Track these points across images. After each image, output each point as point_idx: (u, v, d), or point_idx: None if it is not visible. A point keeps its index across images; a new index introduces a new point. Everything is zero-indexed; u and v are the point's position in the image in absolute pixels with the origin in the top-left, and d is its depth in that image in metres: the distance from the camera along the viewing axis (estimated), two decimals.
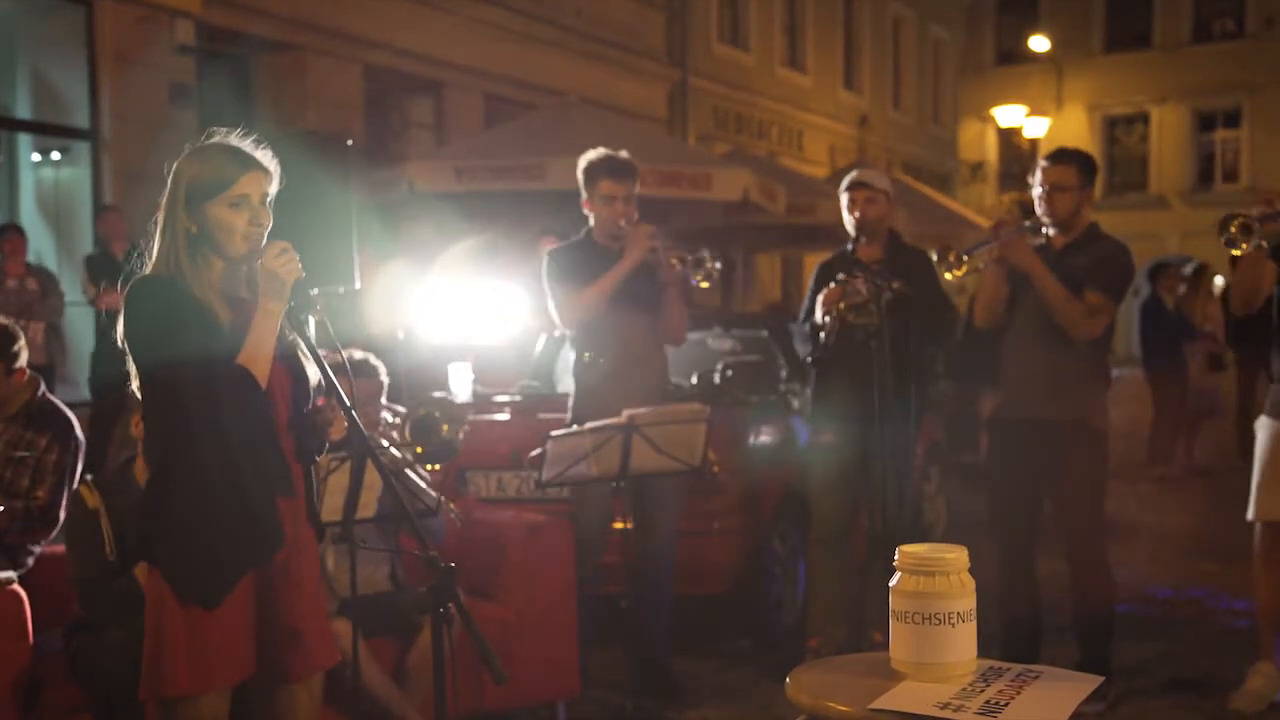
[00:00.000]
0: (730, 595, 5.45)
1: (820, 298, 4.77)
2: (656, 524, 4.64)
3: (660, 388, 4.85)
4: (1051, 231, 4.59)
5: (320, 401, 2.79)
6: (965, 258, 4.46)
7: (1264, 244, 4.07)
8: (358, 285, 5.30)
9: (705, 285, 4.72)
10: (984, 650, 2.20)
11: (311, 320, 2.77)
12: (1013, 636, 4.65)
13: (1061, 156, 4.63)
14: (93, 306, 8.60)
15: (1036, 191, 4.59)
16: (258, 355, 2.65)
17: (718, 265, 4.73)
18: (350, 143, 5.39)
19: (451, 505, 4.25)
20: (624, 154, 4.83)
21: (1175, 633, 5.69)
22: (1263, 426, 4.51)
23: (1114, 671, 4.67)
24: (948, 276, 4.50)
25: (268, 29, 10.59)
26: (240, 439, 2.65)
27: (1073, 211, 4.58)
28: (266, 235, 2.73)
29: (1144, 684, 4.87)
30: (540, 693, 4.44)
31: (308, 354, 2.77)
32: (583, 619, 4.51)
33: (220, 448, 2.64)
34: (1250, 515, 4.53)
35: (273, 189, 2.75)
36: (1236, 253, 4.12)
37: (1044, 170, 4.60)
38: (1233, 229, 4.02)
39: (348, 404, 2.70)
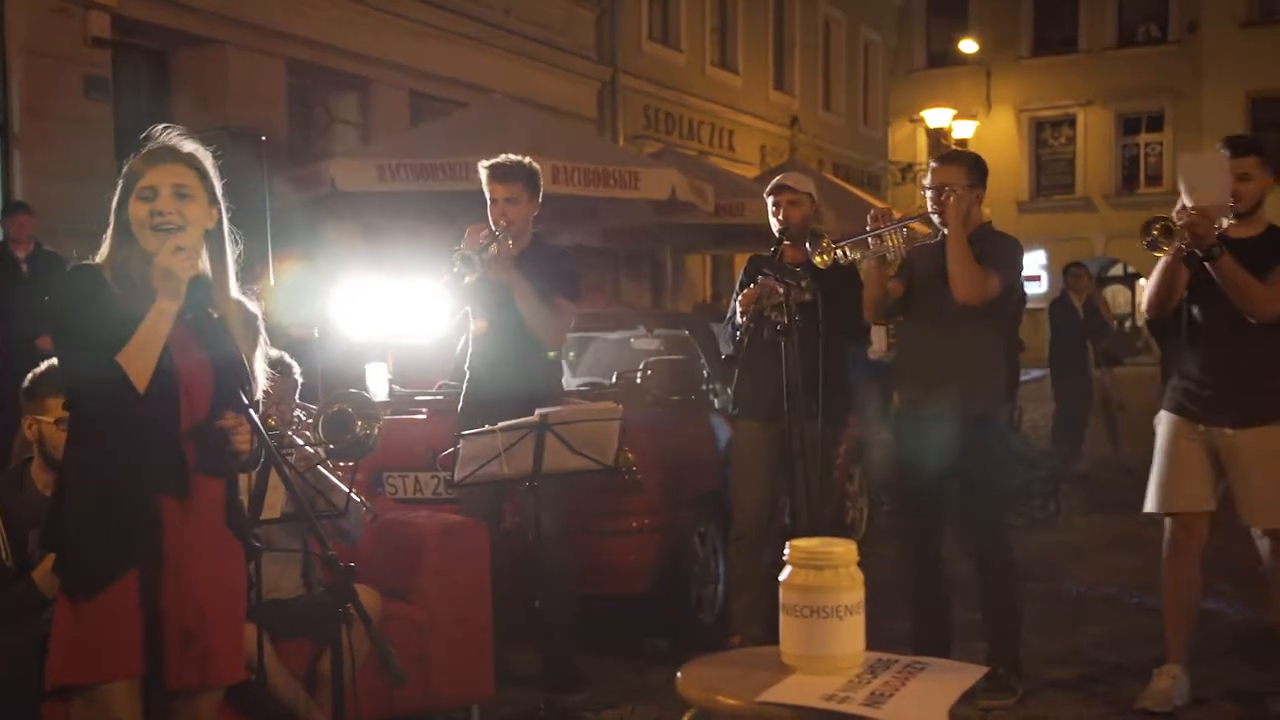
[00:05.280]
0: (649, 595, 5.45)
1: (739, 299, 4.80)
2: (544, 523, 4.58)
3: (535, 390, 4.69)
4: (944, 232, 4.61)
5: (226, 419, 2.73)
6: (834, 246, 4.44)
7: (1183, 248, 4.17)
8: (272, 282, 5.25)
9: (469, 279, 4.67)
10: (896, 647, 2.21)
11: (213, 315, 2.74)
12: (923, 633, 4.68)
13: (951, 157, 4.69)
14: None
15: (927, 193, 4.62)
16: (137, 354, 2.61)
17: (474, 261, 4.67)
18: (265, 139, 5.34)
19: (361, 497, 4.20)
20: (526, 159, 4.86)
21: (1085, 628, 5.77)
22: (1162, 420, 4.58)
23: (1023, 666, 4.73)
24: (816, 260, 4.52)
25: (187, 22, 10.38)
26: (117, 436, 2.63)
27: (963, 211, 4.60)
28: (199, 229, 2.71)
29: (1054, 678, 4.93)
30: (454, 694, 4.40)
31: (245, 351, 2.76)
32: (498, 619, 4.48)
33: (98, 444, 2.64)
34: (1149, 507, 4.56)
35: (193, 180, 2.72)
36: (1159, 255, 4.23)
37: (934, 171, 4.65)
38: (1155, 231, 4.16)
39: (249, 409, 2.68)
